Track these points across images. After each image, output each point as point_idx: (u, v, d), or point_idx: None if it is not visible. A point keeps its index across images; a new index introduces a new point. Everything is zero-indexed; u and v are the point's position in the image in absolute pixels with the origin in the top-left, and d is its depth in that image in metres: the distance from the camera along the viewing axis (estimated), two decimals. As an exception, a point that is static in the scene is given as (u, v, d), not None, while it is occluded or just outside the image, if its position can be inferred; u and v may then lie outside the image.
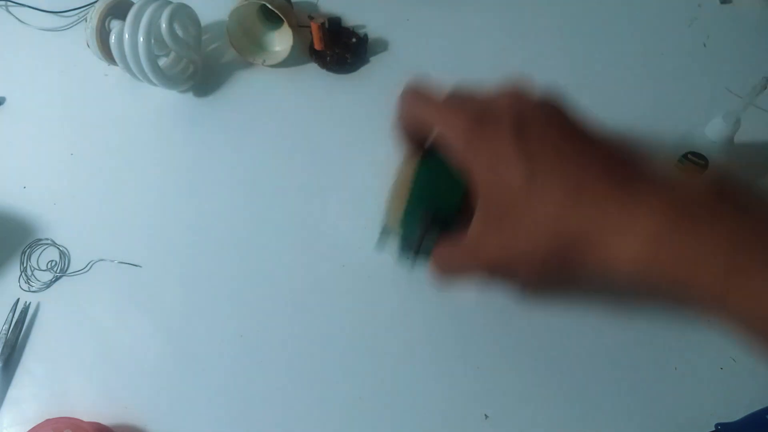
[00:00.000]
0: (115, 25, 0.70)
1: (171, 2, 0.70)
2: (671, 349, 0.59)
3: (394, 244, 0.53)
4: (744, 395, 0.56)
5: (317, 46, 0.75)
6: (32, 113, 0.75)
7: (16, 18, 0.82)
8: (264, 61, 0.77)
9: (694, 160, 0.63)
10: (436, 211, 0.48)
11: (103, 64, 0.75)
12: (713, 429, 0.55)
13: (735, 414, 0.55)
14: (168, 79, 0.71)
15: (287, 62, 0.76)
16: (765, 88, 0.59)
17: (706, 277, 0.31)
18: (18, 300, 0.63)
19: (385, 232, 0.53)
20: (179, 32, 0.73)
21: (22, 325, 0.61)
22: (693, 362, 0.58)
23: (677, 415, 0.56)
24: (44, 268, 0.65)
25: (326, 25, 0.74)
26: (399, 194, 0.51)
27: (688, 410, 0.56)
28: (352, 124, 0.73)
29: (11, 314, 0.62)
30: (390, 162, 0.48)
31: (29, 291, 0.64)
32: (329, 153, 0.71)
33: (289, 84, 0.76)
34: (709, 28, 0.78)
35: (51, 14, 0.82)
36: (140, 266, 0.65)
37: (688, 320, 0.60)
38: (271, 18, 0.77)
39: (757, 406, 0.55)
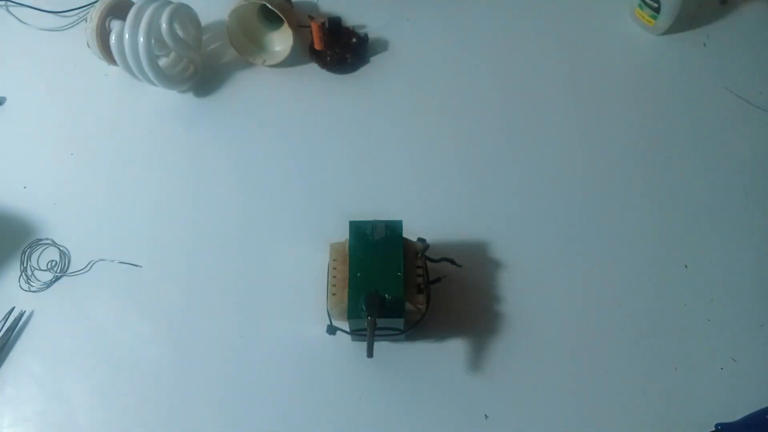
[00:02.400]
0: (115, 25, 0.70)
1: (171, 2, 0.70)
2: (671, 349, 0.59)
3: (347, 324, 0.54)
4: (744, 395, 0.56)
5: (317, 46, 0.75)
6: (32, 113, 0.75)
7: (16, 18, 0.82)
8: (264, 61, 0.77)
9: (650, 3, 0.71)
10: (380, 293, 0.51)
11: (103, 64, 0.75)
12: (713, 429, 0.55)
13: (735, 414, 0.55)
14: (168, 79, 0.71)
15: (287, 62, 0.76)
16: None
17: None
18: (13, 308, 0.62)
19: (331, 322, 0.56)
20: (179, 32, 0.73)
21: (11, 333, 0.61)
22: (693, 362, 0.58)
23: (677, 415, 0.56)
24: (44, 268, 0.65)
25: (326, 25, 0.74)
26: (339, 284, 0.53)
27: (688, 410, 0.56)
28: (351, 124, 0.73)
29: (3, 322, 0.62)
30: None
31: (29, 291, 0.64)
32: (329, 152, 0.71)
33: (289, 84, 0.76)
34: (709, 28, 0.78)
35: (51, 14, 0.82)
36: (140, 266, 0.65)
37: (688, 321, 0.60)
38: (271, 18, 0.77)
39: (757, 406, 0.55)
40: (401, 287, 0.51)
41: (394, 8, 0.81)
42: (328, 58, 0.76)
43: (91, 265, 0.65)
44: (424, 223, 0.59)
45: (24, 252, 0.66)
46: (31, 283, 0.64)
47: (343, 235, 0.55)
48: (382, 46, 0.78)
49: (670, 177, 0.68)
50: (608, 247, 0.64)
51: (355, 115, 0.73)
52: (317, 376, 0.59)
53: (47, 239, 0.66)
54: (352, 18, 0.79)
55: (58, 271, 0.65)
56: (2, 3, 0.83)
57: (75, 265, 0.65)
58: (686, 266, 0.63)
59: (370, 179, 0.69)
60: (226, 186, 0.69)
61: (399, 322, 0.53)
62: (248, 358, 0.60)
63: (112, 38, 0.67)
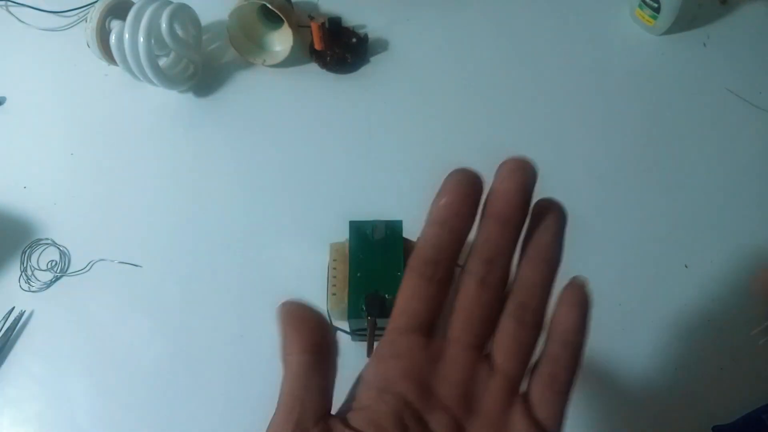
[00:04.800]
0: (115, 25, 0.70)
1: (171, 2, 0.70)
2: (671, 350, 0.59)
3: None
4: (741, 395, 0.56)
5: (317, 46, 0.75)
6: (32, 113, 0.75)
7: (16, 18, 0.82)
8: (264, 61, 0.77)
9: (650, 3, 0.72)
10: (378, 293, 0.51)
11: (103, 64, 0.75)
12: None
13: (732, 414, 0.55)
14: (168, 79, 0.71)
15: (287, 62, 0.76)
16: None
17: None
18: (13, 308, 0.62)
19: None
20: (179, 32, 0.73)
21: (11, 333, 0.61)
22: (693, 362, 0.58)
23: (677, 415, 0.56)
24: (44, 268, 0.65)
25: (326, 25, 0.74)
26: (339, 284, 0.53)
27: (688, 410, 0.56)
28: (352, 124, 0.73)
29: (3, 322, 0.62)
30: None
31: (29, 291, 0.64)
32: (329, 152, 0.71)
33: (289, 84, 0.76)
34: (709, 28, 0.78)
35: (51, 14, 0.82)
36: (140, 266, 0.65)
37: (688, 321, 0.60)
38: (271, 18, 0.77)
39: (753, 406, 0.55)
40: None
41: (394, 8, 0.81)
42: (328, 58, 0.76)
43: (91, 265, 0.65)
44: (424, 223, 0.59)
45: (24, 252, 0.66)
46: (31, 283, 0.64)
47: (343, 235, 0.55)
48: (382, 46, 0.78)
49: (670, 177, 0.68)
50: (607, 247, 0.64)
51: (355, 115, 0.73)
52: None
53: (47, 239, 0.67)
54: (352, 18, 0.79)
55: (58, 271, 0.65)
56: (2, 3, 0.83)
57: (75, 265, 0.65)
58: (686, 266, 0.63)
59: (370, 179, 0.69)
60: (226, 186, 0.69)
61: None
62: (248, 358, 0.60)
63: (112, 38, 0.67)
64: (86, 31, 0.71)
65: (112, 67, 0.74)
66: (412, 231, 0.56)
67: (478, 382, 0.25)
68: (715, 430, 0.55)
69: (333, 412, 0.24)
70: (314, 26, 0.73)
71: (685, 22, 0.77)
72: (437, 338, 0.25)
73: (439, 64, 0.76)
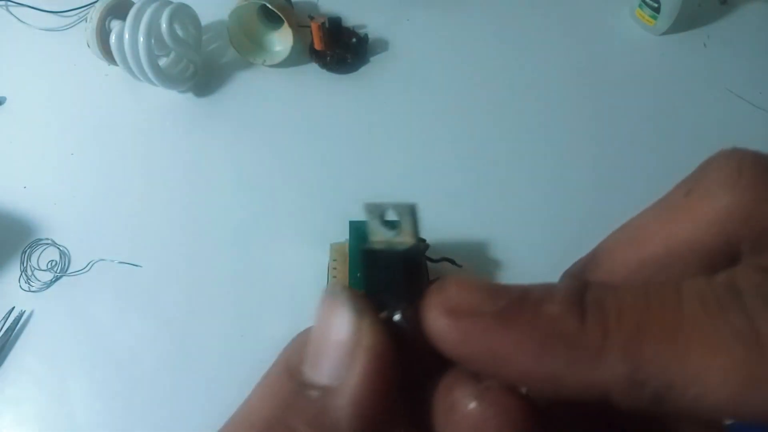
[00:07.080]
0: (115, 25, 0.70)
1: (171, 2, 0.70)
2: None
3: None
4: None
5: (317, 46, 0.75)
6: (32, 113, 0.75)
7: (17, 18, 0.82)
8: (264, 61, 0.77)
9: (650, 3, 0.72)
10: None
11: (103, 64, 0.75)
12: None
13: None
14: (168, 79, 0.71)
15: (287, 62, 0.76)
16: None
17: None
18: (13, 308, 0.62)
19: None
20: (179, 32, 0.73)
21: (11, 333, 0.61)
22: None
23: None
24: (44, 268, 0.65)
25: (326, 25, 0.74)
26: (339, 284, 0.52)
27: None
28: (352, 124, 0.73)
29: (3, 322, 0.62)
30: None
31: (29, 291, 0.64)
32: (329, 152, 0.71)
33: (289, 84, 0.76)
34: (709, 28, 0.78)
35: (51, 14, 0.82)
36: (140, 266, 0.65)
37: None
38: (271, 18, 0.77)
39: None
40: None
41: (394, 8, 0.81)
42: (328, 58, 0.76)
43: (91, 265, 0.65)
44: (425, 223, 0.59)
45: (24, 252, 0.66)
46: (31, 283, 0.64)
47: (343, 236, 0.55)
48: (382, 46, 0.78)
49: (671, 177, 0.68)
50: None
51: (356, 115, 0.73)
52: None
53: (47, 239, 0.66)
54: (352, 18, 0.79)
55: (58, 271, 0.65)
56: (2, 3, 0.83)
57: (75, 265, 0.65)
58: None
59: (371, 179, 0.69)
60: (226, 186, 0.69)
61: None
62: (248, 358, 0.60)
63: (112, 38, 0.67)
64: (86, 31, 0.71)
65: (112, 67, 0.74)
66: (412, 231, 0.56)
67: None
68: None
69: None
70: (314, 26, 0.73)
71: (685, 22, 0.77)
72: None
73: (439, 64, 0.76)
